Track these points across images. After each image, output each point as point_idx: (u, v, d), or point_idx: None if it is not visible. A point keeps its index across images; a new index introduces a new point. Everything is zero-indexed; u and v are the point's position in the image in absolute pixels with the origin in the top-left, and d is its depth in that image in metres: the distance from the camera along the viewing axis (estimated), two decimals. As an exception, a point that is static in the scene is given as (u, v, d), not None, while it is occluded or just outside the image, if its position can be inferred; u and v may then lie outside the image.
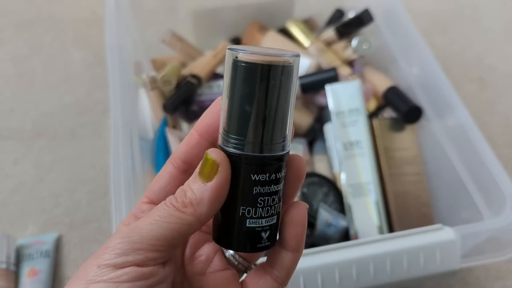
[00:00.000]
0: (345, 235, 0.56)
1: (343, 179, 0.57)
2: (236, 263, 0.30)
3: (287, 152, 0.26)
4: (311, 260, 0.44)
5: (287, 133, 0.26)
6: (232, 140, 0.25)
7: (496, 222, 0.48)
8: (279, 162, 0.25)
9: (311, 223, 0.56)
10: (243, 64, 0.24)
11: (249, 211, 0.25)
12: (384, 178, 0.60)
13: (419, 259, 0.45)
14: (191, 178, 0.26)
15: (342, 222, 0.55)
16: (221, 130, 0.26)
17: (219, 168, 0.25)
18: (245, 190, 0.25)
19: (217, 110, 0.27)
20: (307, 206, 0.28)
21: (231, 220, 0.26)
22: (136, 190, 0.50)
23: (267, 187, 0.25)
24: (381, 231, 0.55)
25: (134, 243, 0.24)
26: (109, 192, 0.54)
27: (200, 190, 0.25)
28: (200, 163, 0.25)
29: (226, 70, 0.25)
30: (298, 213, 0.27)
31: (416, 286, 0.57)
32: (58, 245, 0.61)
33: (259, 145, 0.25)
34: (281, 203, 0.27)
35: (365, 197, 0.56)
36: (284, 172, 0.26)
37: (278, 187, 0.26)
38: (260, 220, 0.26)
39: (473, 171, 0.53)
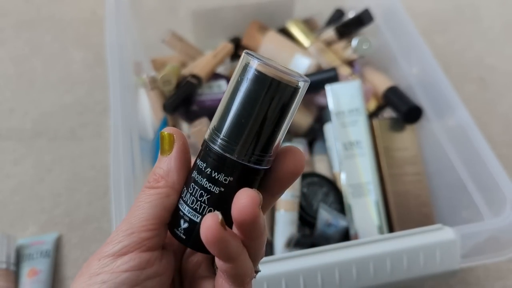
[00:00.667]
0: (345, 235, 0.56)
1: (343, 179, 0.57)
2: (216, 269, 0.29)
3: (239, 162, 0.25)
4: (311, 260, 0.44)
5: (255, 148, 0.25)
6: (213, 134, 0.26)
7: (496, 222, 0.48)
8: (220, 162, 0.25)
9: (311, 223, 0.56)
10: (255, 72, 0.24)
11: (183, 190, 0.27)
12: (384, 178, 0.60)
13: (419, 259, 0.45)
14: (157, 161, 0.28)
15: (342, 222, 0.55)
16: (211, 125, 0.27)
17: (175, 137, 0.27)
18: (191, 170, 0.27)
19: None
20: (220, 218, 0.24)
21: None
22: (136, 190, 0.49)
23: (201, 178, 0.26)
24: (381, 231, 0.55)
25: (125, 231, 0.26)
26: (109, 192, 0.54)
27: (165, 163, 0.27)
28: (160, 143, 0.27)
29: (236, 71, 0.25)
30: (206, 227, 0.23)
31: (416, 286, 0.57)
32: (58, 245, 0.61)
33: (221, 142, 0.25)
34: (213, 210, 0.25)
35: (365, 197, 0.56)
36: (228, 180, 0.25)
37: (212, 187, 0.25)
38: (184, 206, 0.26)
39: (473, 171, 0.53)
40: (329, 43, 0.70)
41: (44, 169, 0.69)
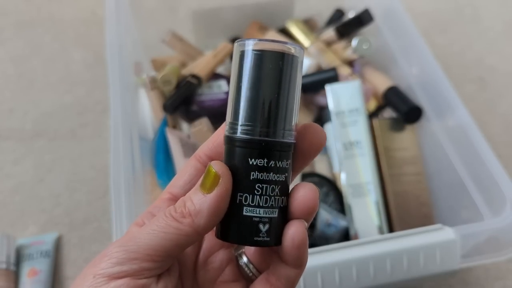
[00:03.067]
0: (345, 235, 0.56)
1: (343, 179, 0.57)
2: (248, 272, 0.29)
3: (290, 142, 0.26)
4: (311, 260, 0.44)
5: (291, 123, 0.26)
6: (235, 127, 0.25)
7: (496, 222, 0.48)
8: (278, 148, 0.25)
9: (311, 223, 0.56)
10: (255, 52, 0.25)
11: (246, 198, 0.25)
12: (384, 178, 0.60)
13: (419, 259, 0.45)
14: (192, 189, 0.26)
15: (342, 222, 0.55)
16: (227, 120, 0.26)
17: (220, 180, 0.24)
18: (243, 176, 0.25)
19: None
20: (306, 225, 0.25)
21: (229, 210, 0.25)
22: (136, 190, 0.50)
23: (265, 173, 0.25)
24: (381, 231, 0.55)
25: (130, 253, 0.24)
26: (109, 192, 0.54)
27: (200, 201, 0.25)
28: (203, 175, 0.25)
29: (234, 60, 0.26)
30: (296, 231, 0.25)
31: (416, 286, 0.57)
32: (58, 245, 0.61)
33: (259, 130, 0.25)
34: (285, 198, 0.26)
35: (365, 197, 0.56)
36: (288, 163, 0.26)
37: (278, 177, 0.25)
38: (257, 210, 0.25)
39: (473, 171, 0.53)
40: (329, 43, 0.70)
41: (44, 169, 0.69)
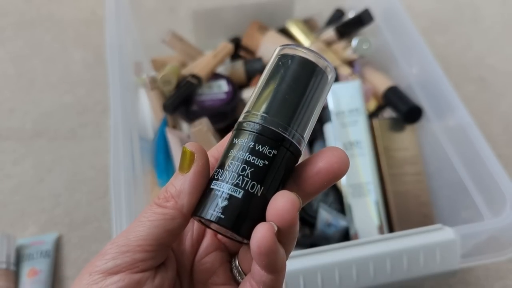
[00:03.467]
0: (345, 235, 0.56)
1: (343, 179, 0.57)
2: (237, 275, 0.28)
3: (282, 135, 0.25)
4: (311, 260, 0.44)
5: (296, 125, 0.25)
6: (247, 114, 0.26)
7: (496, 222, 0.48)
8: (264, 133, 0.25)
9: (311, 223, 0.56)
10: (296, 57, 0.26)
11: (218, 172, 0.25)
12: (384, 178, 0.60)
13: (419, 259, 0.45)
14: (173, 175, 0.26)
15: (342, 222, 0.55)
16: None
17: (196, 156, 0.25)
18: (224, 153, 0.26)
19: None
20: (275, 228, 0.23)
21: (205, 187, 0.25)
22: (136, 190, 0.50)
23: (241, 152, 0.25)
24: (381, 231, 0.55)
25: (121, 246, 0.24)
26: (109, 192, 0.55)
27: (180, 182, 0.25)
28: (180, 158, 0.26)
29: (274, 58, 0.27)
30: (261, 237, 0.23)
31: (416, 286, 0.57)
32: (58, 245, 0.61)
33: (259, 116, 0.25)
34: (258, 186, 0.24)
35: (365, 197, 0.56)
36: (273, 153, 0.25)
37: (254, 159, 0.24)
38: (222, 184, 0.24)
39: (473, 171, 0.53)
40: (329, 43, 0.70)
41: (44, 169, 0.69)
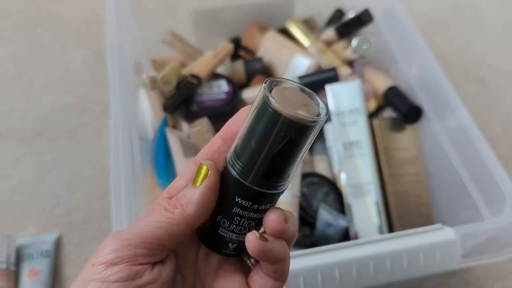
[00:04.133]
0: (345, 235, 0.56)
1: (343, 179, 0.57)
2: (248, 262, 0.31)
3: (276, 192, 0.27)
4: (311, 260, 0.44)
5: (287, 177, 0.27)
6: (236, 164, 0.27)
7: (496, 222, 0.48)
8: (263, 197, 0.27)
9: (311, 223, 0.56)
10: (270, 109, 0.24)
11: (224, 222, 0.28)
12: (384, 178, 0.60)
13: (419, 259, 0.45)
14: (187, 187, 0.28)
15: (342, 222, 0.55)
16: (232, 148, 0.27)
17: (209, 173, 0.27)
18: (228, 206, 0.28)
19: (241, 119, 0.28)
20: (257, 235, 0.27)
21: (211, 222, 0.29)
22: (136, 190, 0.50)
23: (246, 212, 0.28)
24: (381, 231, 0.55)
25: (123, 240, 0.26)
26: (109, 192, 0.54)
27: (190, 194, 0.27)
28: (196, 173, 0.28)
29: (256, 103, 0.26)
30: (252, 243, 0.27)
31: (416, 286, 0.57)
32: (58, 245, 0.61)
33: (253, 177, 0.26)
34: (258, 227, 0.29)
35: (365, 197, 0.56)
36: (271, 205, 0.28)
37: (257, 215, 0.28)
38: (230, 234, 0.28)
39: (473, 171, 0.53)
40: (329, 43, 0.70)
41: (44, 169, 0.69)
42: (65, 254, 0.61)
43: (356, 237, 0.55)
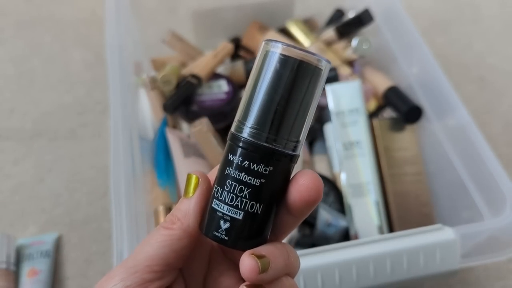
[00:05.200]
0: (345, 235, 0.56)
1: (343, 179, 0.57)
2: None
3: (269, 149, 0.25)
4: (311, 260, 0.44)
5: (280, 133, 0.25)
6: (235, 122, 0.26)
7: (496, 222, 0.48)
8: (254, 152, 0.25)
9: (311, 223, 0.56)
10: (279, 55, 0.24)
11: (217, 190, 0.26)
12: (384, 178, 0.60)
13: (419, 259, 0.45)
14: (178, 202, 0.27)
15: (342, 222, 0.55)
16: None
17: (200, 181, 0.27)
18: (221, 169, 0.26)
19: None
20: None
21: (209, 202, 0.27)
22: (136, 190, 0.50)
23: (236, 171, 0.25)
24: (381, 231, 0.55)
25: (130, 268, 0.26)
26: (109, 192, 0.55)
27: (185, 206, 0.26)
28: (185, 185, 0.27)
29: (258, 58, 0.25)
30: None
31: (416, 286, 0.57)
32: (58, 245, 0.61)
33: (248, 129, 0.25)
34: (257, 204, 0.25)
35: (365, 197, 0.56)
36: (269, 170, 0.25)
37: (250, 179, 0.25)
38: (222, 205, 0.25)
39: (473, 171, 0.53)
40: (329, 43, 0.70)
41: (44, 169, 0.69)
42: (65, 254, 0.61)
43: (356, 237, 0.55)
